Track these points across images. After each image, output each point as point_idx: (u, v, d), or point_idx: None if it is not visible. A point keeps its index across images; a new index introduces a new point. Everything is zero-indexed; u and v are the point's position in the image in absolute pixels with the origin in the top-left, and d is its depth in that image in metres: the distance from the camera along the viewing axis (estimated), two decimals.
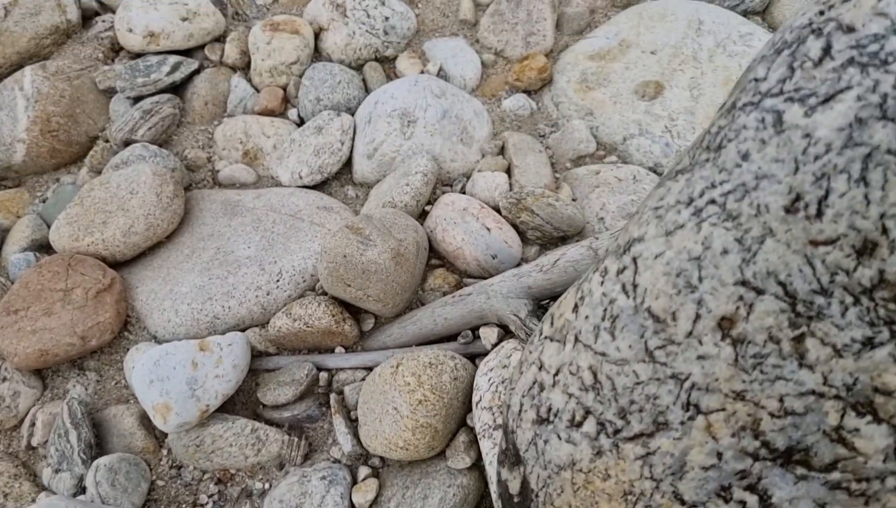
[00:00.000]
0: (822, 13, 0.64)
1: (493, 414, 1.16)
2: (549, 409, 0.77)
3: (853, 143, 0.58)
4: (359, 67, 1.97)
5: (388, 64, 1.98)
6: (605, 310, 0.71)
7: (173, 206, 1.68)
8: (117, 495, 1.33)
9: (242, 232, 1.68)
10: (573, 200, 1.55)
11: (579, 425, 0.73)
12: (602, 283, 0.73)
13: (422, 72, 1.90)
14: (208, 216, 1.77)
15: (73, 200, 1.73)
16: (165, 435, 1.46)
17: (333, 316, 1.43)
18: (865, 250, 0.59)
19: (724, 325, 0.65)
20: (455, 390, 1.24)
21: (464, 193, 1.59)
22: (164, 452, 1.46)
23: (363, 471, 1.35)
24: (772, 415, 0.64)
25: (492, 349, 1.29)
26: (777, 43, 0.66)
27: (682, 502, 0.69)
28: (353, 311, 1.49)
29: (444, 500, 1.23)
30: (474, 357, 1.35)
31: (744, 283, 0.63)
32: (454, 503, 1.23)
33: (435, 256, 1.54)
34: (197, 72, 2.06)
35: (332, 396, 1.44)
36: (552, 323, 0.79)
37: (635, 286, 0.69)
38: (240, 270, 1.59)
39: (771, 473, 0.65)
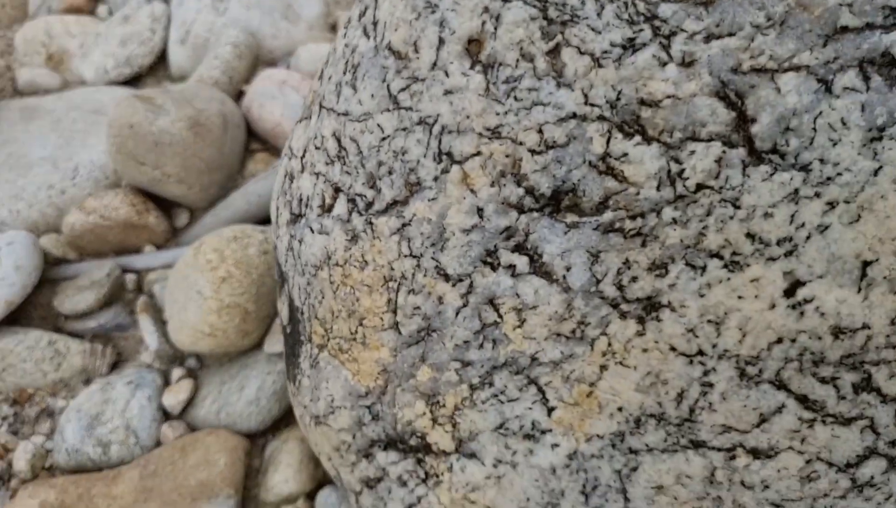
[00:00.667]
0: None
1: None
2: (301, 200, 0.64)
3: None
4: None
5: None
6: (347, 62, 0.59)
7: None
8: None
9: (39, 135, 1.45)
10: None
11: (330, 208, 0.61)
12: (345, 35, 0.60)
13: None
14: (4, 125, 1.52)
15: None
16: None
17: (133, 205, 1.24)
18: None
19: (472, 48, 0.54)
20: (266, 265, 1.09)
21: (289, 69, 1.43)
22: None
23: (177, 373, 1.18)
24: (532, 152, 0.54)
25: None
26: None
27: (447, 277, 0.58)
28: (163, 205, 1.31)
29: (263, 388, 1.10)
30: None
31: None
32: (274, 389, 1.10)
33: (255, 139, 1.37)
34: None
35: (142, 298, 1.26)
36: (306, 102, 0.66)
37: (375, 24, 0.57)
38: (31, 170, 1.37)
39: (539, 226, 0.55)
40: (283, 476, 1.04)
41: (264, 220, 1.24)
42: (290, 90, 1.31)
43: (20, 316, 1.27)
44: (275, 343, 1.10)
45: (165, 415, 1.14)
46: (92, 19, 1.73)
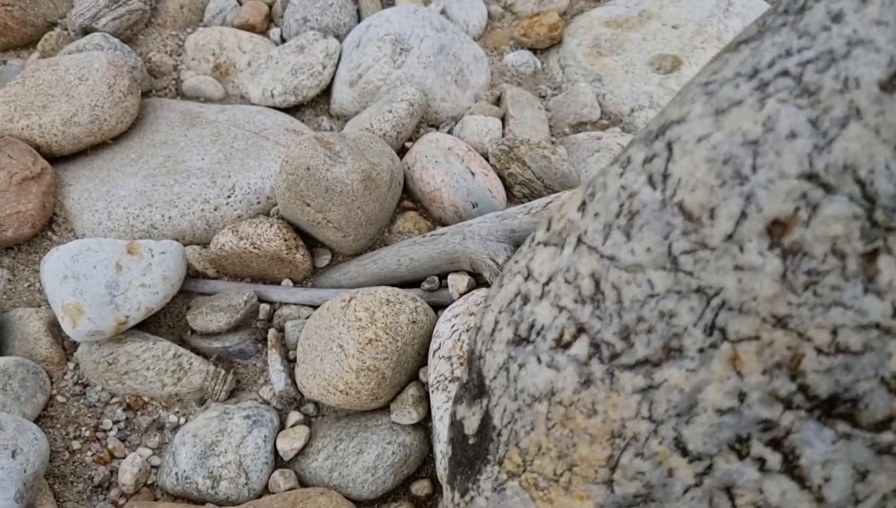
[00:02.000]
0: None
1: (452, 365, 1.01)
2: (532, 326, 0.62)
3: None
4: None
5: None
6: (622, 205, 0.57)
7: (125, 103, 1.50)
8: (8, 402, 1.14)
9: (199, 143, 1.50)
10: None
11: (567, 345, 0.59)
12: (622, 175, 0.58)
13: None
14: (164, 124, 1.58)
15: (15, 78, 1.53)
16: (75, 347, 1.27)
17: (285, 240, 1.26)
18: None
19: (776, 230, 0.51)
20: (412, 334, 1.08)
21: (451, 134, 1.44)
22: (71, 366, 1.27)
23: (294, 416, 1.18)
24: (819, 351, 0.50)
25: (459, 298, 1.14)
26: None
27: (685, 452, 0.54)
28: (309, 242, 1.33)
29: (382, 458, 1.07)
30: (437, 308, 1.19)
31: (811, 177, 0.50)
32: (392, 462, 1.07)
33: (409, 197, 1.38)
34: None
35: (271, 331, 1.26)
36: (549, 227, 0.65)
37: (666, 177, 0.55)
38: (188, 179, 1.41)
39: (804, 427, 0.51)
40: None
41: (408, 283, 1.23)
42: (455, 158, 1.31)
43: (151, 322, 1.30)
44: (405, 415, 1.08)
45: (275, 457, 1.13)
46: (264, 39, 1.80)
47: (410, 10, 1.55)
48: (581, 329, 0.58)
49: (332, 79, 1.62)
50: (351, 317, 1.08)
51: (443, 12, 1.76)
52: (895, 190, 0.48)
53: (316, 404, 1.20)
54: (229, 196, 1.38)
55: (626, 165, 0.59)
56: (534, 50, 1.73)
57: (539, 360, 0.61)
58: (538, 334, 0.61)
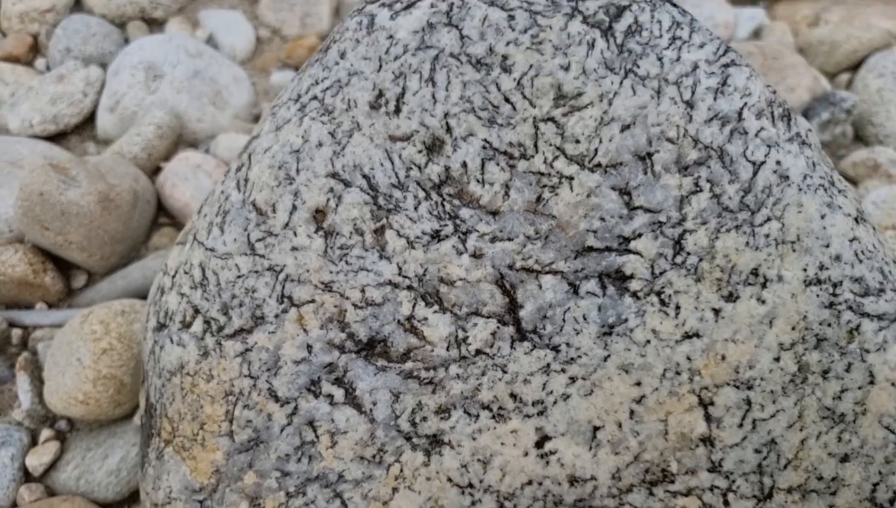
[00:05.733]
0: None
1: None
2: (167, 313, 0.74)
3: (425, 45, 0.63)
4: (122, 25, 1.86)
5: (156, 26, 1.90)
6: (220, 206, 0.71)
7: None
8: None
9: None
10: None
11: (188, 325, 0.71)
12: (223, 181, 0.72)
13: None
14: None
15: None
16: None
17: (31, 265, 1.30)
18: (434, 146, 0.64)
19: (318, 217, 0.67)
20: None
21: (207, 153, 1.54)
22: None
23: (45, 434, 1.22)
24: (355, 306, 0.66)
25: None
26: None
27: (276, 398, 0.69)
28: (62, 266, 1.37)
29: (126, 459, 1.15)
30: None
31: (334, 175, 0.66)
32: (136, 462, 1.15)
33: (164, 214, 1.46)
34: None
35: (23, 354, 1.30)
36: (186, 228, 0.77)
37: (247, 181, 0.69)
38: None
39: (355, 365, 0.67)
40: None
41: None
42: (204, 175, 1.41)
43: None
44: None
45: (27, 476, 1.17)
46: (28, 70, 1.80)
47: (166, 38, 1.63)
48: (196, 310, 0.71)
49: (96, 106, 1.67)
50: (87, 331, 1.14)
51: (210, 39, 1.85)
52: (389, 181, 0.65)
53: (69, 419, 1.25)
54: None
55: (227, 173, 0.73)
56: (297, 69, 1.86)
57: (171, 340, 0.73)
58: (170, 318, 0.73)
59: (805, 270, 0.62)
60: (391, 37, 0.63)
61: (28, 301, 1.36)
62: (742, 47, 1.60)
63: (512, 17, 0.61)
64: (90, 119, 1.68)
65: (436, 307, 0.65)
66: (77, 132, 1.68)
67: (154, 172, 1.49)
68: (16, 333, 1.32)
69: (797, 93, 1.48)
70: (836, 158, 1.49)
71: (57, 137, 1.67)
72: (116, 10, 1.83)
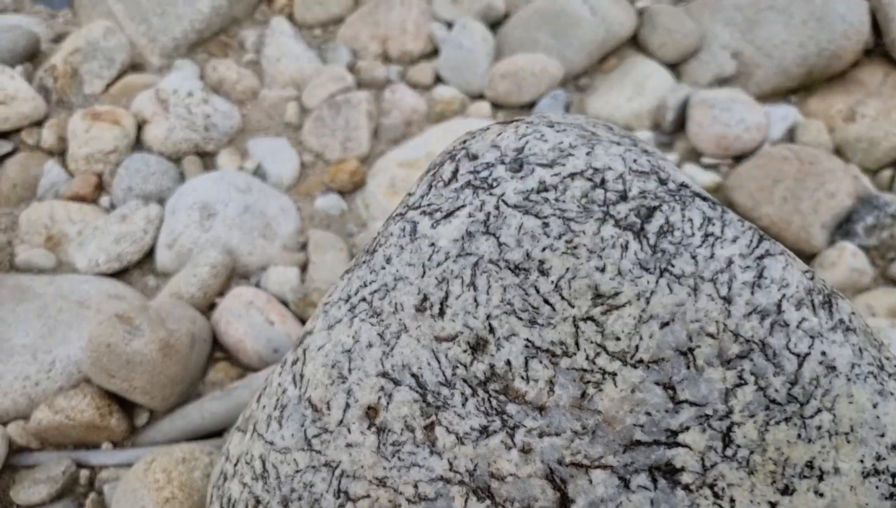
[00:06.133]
0: (464, 141, 0.75)
1: None
2: (229, 500, 0.77)
3: (465, 252, 0.67)
4: (178, 160, 1.99)
5: (208, 158, 2.02)
6: (278, 399, 0.74)
7: None
8: None
9: (26, 319, 1.59)
10: None
11: None
12: (280, 373, 0.76)
13: (240, 168, 1.95)
14: None
15: None
16: None
17: (98, 409, 1.36)
18: (478, 346, 0.67)
19: (370, 414, 0.69)
20: (207, 486, 1.20)
21: (258, 286, 1.61)
22: None
23: None
24: (409, 501, 0.68)
25: None
26: (431, 165, 0.76)
27: None
28: (126, 405, 1.44)
29: None
30: None
31: (384, 374, 0.69)
32: None
33: (219, 349, 1.52)
34: (11, 154, 2.03)
35: (91, 496, 1.35)
36: (246, 413, 0.81)
37: (302, 377, 0.73)
38: (12, 358, 1.49)
39: None
40: None
41: (215, 433, 1.36)
42: (256, 311, 1.47)
43: None
44: None
45: None
46: (93, 208, 1.93)
47: (218, 176, 1.74)
48: (258, 501, 0.74)
49: (155, 241, 1.77)
50: (150, 480, 1.19)
51: (258, 168, 1.96)
52: (436, 379, 0.68)
53: None
54: (49, 370, 1.47)
55: (283, 365, 0.77)
56: (341, 193, 1.95)
57: None
58: (232, 506, 0.76)
59: (862, 461, 0.61)
60: (433, 244, 0.68)
61: (94, 441, 1.42)
62: (777, 152, 1.61)
63: (546, 225, 0.65)
64: (150, 253, 1.79)
65: (488, 502, 0.66)
66: (138, 266, 1.79)
67: (209, 307, 1.56)
68: (83, 473, 1.38)
69: (838, 198, 1.48)
70: (886, 262, 1.47)
71: (121, 273, 1.78)
72: (173, 148, 1.97)
